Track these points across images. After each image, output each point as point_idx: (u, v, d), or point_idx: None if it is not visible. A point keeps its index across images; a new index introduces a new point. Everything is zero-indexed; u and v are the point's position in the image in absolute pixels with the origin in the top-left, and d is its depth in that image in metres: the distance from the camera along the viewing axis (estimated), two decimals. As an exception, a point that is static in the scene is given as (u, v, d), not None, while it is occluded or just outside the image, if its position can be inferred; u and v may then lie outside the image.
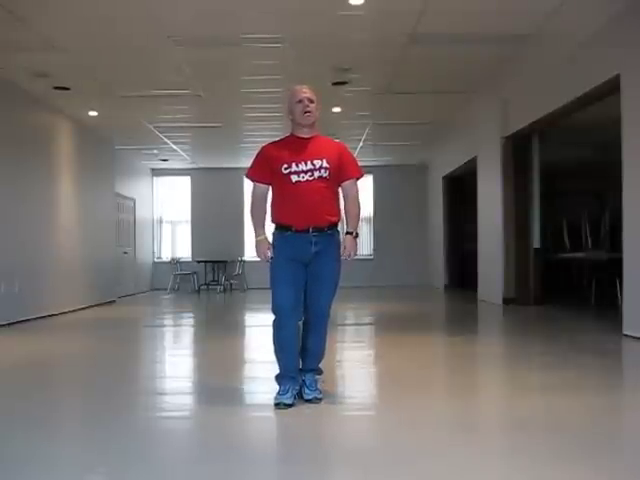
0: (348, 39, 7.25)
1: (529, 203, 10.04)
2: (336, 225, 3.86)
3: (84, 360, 5.93)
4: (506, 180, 10.10)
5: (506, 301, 9.99)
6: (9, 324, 8.19)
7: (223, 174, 16.25)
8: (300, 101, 3.82)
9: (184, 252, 16.78)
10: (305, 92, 3.84)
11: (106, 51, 7.59)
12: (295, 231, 3.76)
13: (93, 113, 10.57)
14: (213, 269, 15.99)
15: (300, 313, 3.82)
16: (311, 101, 3.82)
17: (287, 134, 3.97)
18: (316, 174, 3.75)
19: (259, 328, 8.59)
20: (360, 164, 4.06)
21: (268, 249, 3.84)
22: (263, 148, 3.93)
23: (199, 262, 15.94)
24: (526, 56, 7.93)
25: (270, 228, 3.90)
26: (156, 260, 16.83)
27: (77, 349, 6.60)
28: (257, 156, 3.93)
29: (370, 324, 9.07)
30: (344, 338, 7.31)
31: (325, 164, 3.76)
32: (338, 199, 3.90)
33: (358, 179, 3.95)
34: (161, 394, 4.55)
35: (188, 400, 4.33)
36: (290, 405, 3.69)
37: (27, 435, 3.25)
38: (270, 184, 3.87)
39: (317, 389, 3.88)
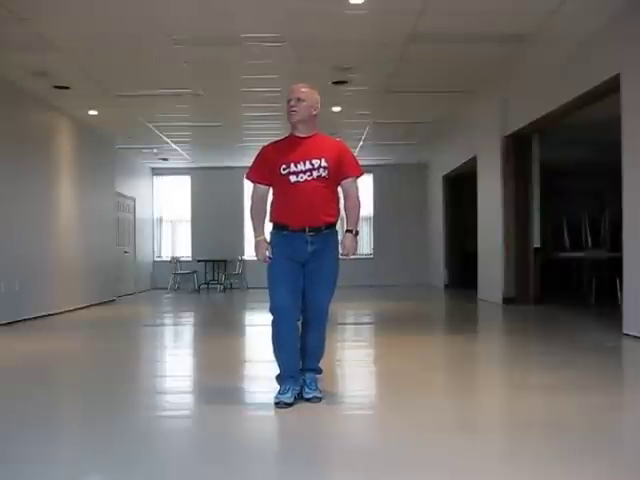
0: (348, 38, 7.24)
1: (529, 203, 10.04)
2: (334, 225, 3.86)
3: (84, 359, 5.93)
4: (506, 180, 10.11)
5: (506, 301, 9.99)
6: (9, 323, 8.19)
7: (223, 173, 16.23)
8: (289, 100, 3.82)
9: (184, 251, 16.78)
10: (296, 91, 3.82)
11: (106, 50, 7.59)
12: (291, 230, 3.76)
13: (93, 112, 10.56)
14: (213, 268, 15.99)
15: (298, 312, 3.82)
16: (300, 100, 3.79)
17: (287, 134, 3.97)
18: (315, 174, 3.74)
19: (259, 327, 8.59)
20: (360, 163, 4.05)
21: (267, 249, 3.84)
22: (262, 149, 3.93)
23: (199, 261, 15.94)
24: (526, 56, 7.93)
25: (269, 228, 3.91)
26: (156, 259, 16.82)
27: (77, 348, 6.60)
28: (257, 157, 3.93)
29: (370, 323, 9.07)
30: (344, 337, 7.32)
31: (324, 163, 3.76)
32: (337, 198, 3.89)
33: (358, 178, 3.94)
34: (161, 393, 4.55)
35: (188, 399, 4.33)
36: (290, 404, 3.69)
37: (27, 435, 3.25)
38: (270, 185, 3.87)
39: (317, 388, 3.88)
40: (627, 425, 3.55)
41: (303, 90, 3.84)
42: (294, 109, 3.79)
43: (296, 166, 3.75)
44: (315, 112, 3.87)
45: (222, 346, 6.62)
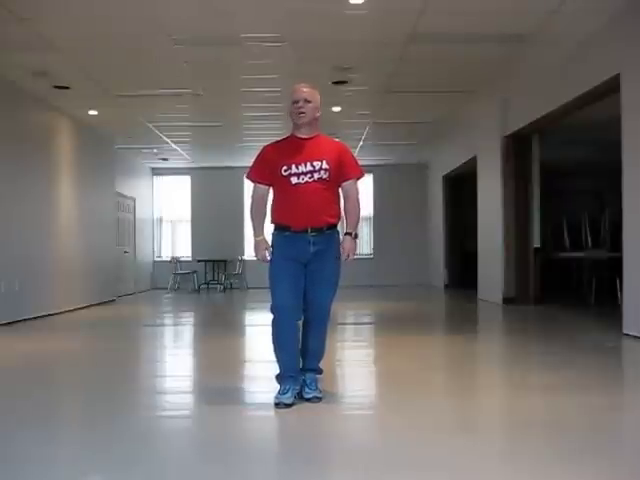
0: (348, 38, 7.24)
1: (529, 203, 10.04)
2: (335, 226, 3.86)
3: (84, 359, 5.93)
4: (506, 180, 10.11)
5: (506, 300, 9.99)
6: (9, 323, 8.19)
7: (223, 173, 16.24)
8: (296, 101, 3.81)
9: (184, 251, 16.78)
10: (302, 92, 3.82)
11: (106, 50, 7.59)
12: (294, 231, 3.76)
13: (93, 112, 10.56)
14: (213, 268, 15.99)
15: (299, 312, 3.81)
16: (307, 101, 3.80)
17: (287, 134, 3.96)
18: (316, 175, 3.74)
19: (259, 327, 8.59)
20: (360, 163, 4.06)
21: (266, 250, 3.85)
22: (263, 149, 3.93)
23: (199, 261, 15.94)
24: (526, 56, 7.93)
25: (269, 229, 3.91)
26: (156, 259, 16.83)
27: (77, 348, 6.60)
28: (257, 157, 3.93)
29: (370, 323, 9.08)
30: (344, 337, 7.31)
31: (325, 165, 3.76)
32: (338, 200, 3.89)
33: (358, 179, 3.94)
34: (161, 393, 4.55)
35: (188, 399, 4.33)
36: (290, 405, 3.69)
37: (27, 435, 3.25)
38: (270, 185, 3.88)
39: (317, 388, 3.88)
40: (627, 425, 3.55)
41: (309, 91, 3.83)
42: (303, 110, 3.79)
43: (297, 167, 3.74)
44: (318, 113, 3.88)
45: (222, 346, 6.62)
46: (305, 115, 3.79)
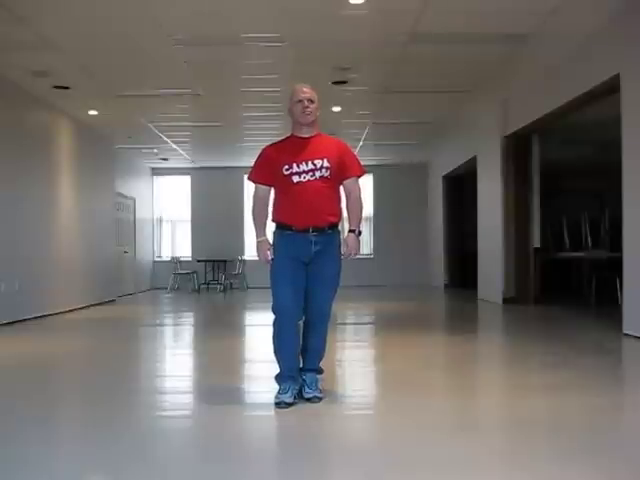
0: (348, 38, 7.24)
1: (529, 203, 10.05)
2: (336, 225, 3.86)
3: (84, 359, 5.93)
4: (506, 180, 10.12)
5: (506, 300, 10.00)
6: (9, 323, 8.19)
7: (223, 173, 16.25)
8: (300, 101, 3.82)
9: (184, 251, 16.79)
10: (305, 92, 3.84)
11: (106, 50, 7.59)
12: (295, 230, 3.76)
13: (93, 112, 10.56)
14: (213, 268, 15.98)
15: (301, 312, 3.81)
16: (311, 101, 3.82)
17: (287, 134, 3.97)
18: (317, 174, 3.75)
19: (259, 327, 8.60)
20: (360, 163, 4.06)
21: (269, 250, 3.84)
22: (264, 150, 3.93)
23: (199, 261, 15.94)
24: (526, 56, 7.93)
25: (271, 228, 3.91)
26: (156, 259, 16.84)
27: (77, 348, 6.60)
28: (258, 158, 3.94)
29: (370, 323, 9.08)
30: (344, 337, 7.32)
31: (326, 163, 3.77)
32: (340, 198, 3.91)
33: (360, 177, 3.95)
34: (161, 393, 4.55)
35: (188, 399, 4.33)
36: (290, 404, 3.69)
37: (27, 435, 3.25)
38: (272, 186, 3.88)
39: (317, 388, 3.88)
40: (627, 425, 3.55)
41: (312, 91, 3.86)
42: (310, 110, 3.81)
43: (298, 166, 3.75)
44: (318, 112, 3.89)
45: (222, 346, 6.62)
46: (311, 114, 3.81)
